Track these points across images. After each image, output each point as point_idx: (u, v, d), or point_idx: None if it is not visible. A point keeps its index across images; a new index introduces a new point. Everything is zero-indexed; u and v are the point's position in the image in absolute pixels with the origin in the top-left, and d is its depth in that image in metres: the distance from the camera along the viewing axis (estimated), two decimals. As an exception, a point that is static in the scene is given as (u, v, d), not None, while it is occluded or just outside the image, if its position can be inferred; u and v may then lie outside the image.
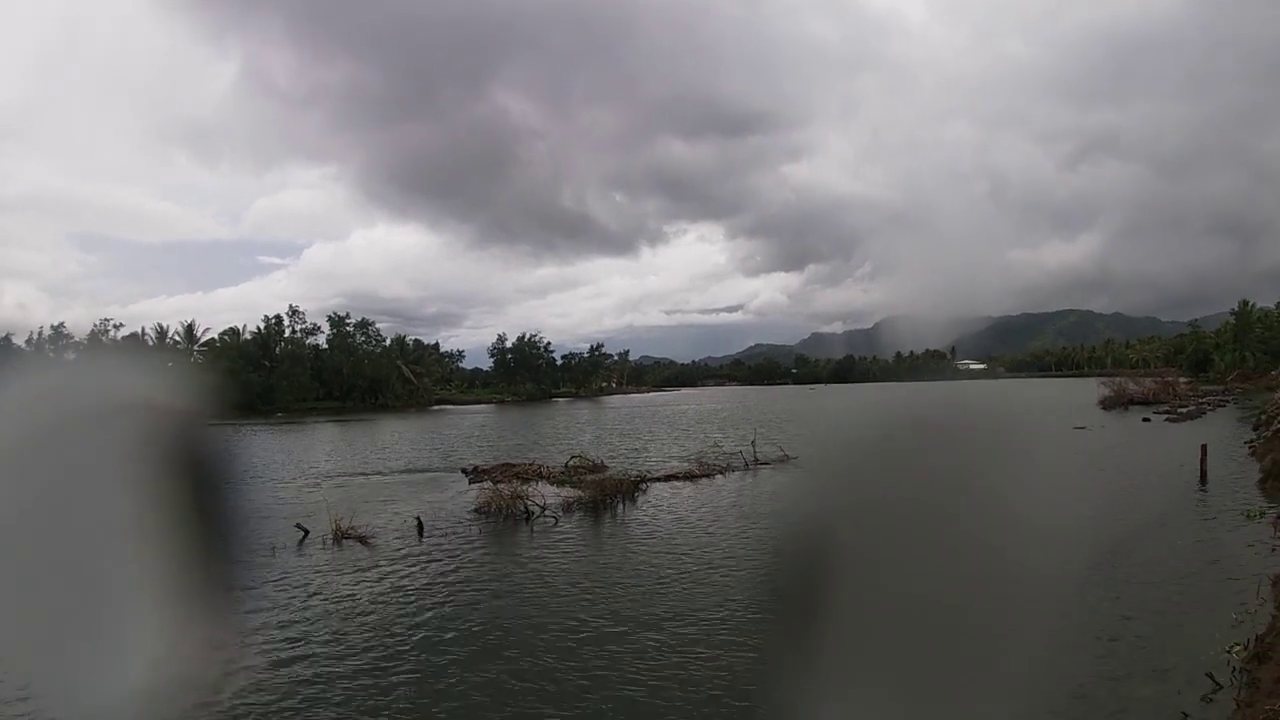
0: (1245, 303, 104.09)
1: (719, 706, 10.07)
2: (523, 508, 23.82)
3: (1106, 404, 63.66)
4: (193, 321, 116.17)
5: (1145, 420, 50.48)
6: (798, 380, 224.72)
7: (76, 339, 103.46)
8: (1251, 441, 32.45)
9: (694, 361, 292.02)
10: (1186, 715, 8.85)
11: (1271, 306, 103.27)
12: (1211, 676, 9.45)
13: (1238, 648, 9.81)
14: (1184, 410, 55.20)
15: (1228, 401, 62.04)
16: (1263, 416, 37.35)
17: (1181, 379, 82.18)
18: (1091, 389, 70.61)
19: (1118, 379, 75.82)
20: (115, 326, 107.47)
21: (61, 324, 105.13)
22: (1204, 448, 26.01)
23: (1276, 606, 11.54)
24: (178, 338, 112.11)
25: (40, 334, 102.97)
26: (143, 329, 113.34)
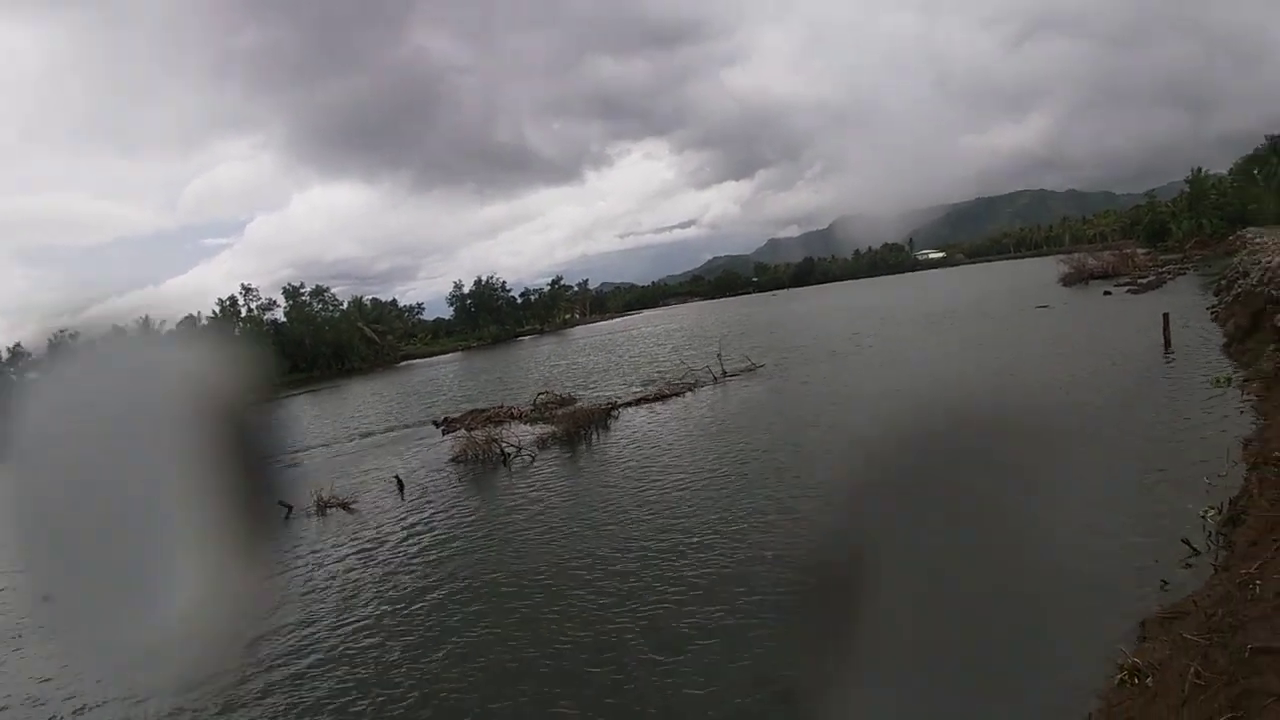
0: (1199, 170, 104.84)
1: (706, 631, 10.45)
2: (498, 451, 24.06)
3: (1067, 281, 64.06)
4: (146, 317, 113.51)
5: (1107, 293, 50.92)
6: (759, 288, 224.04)
7: (34, 356, 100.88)
8: (1213, 307, 32.86)
9: (654, 282, 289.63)
10: (1165, 582, 9.16)
11: (1224, 173, 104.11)
12: (1188, 542, 9.75)
13: (1212, 512, 10.05)
14: (1144, 281, 55.41)
15: (1188, 269, 62.30)
16: (1223, 282, 37.90)
17: (1140, 250, 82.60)
18: (1051, 267, 71.14)
19: (1076, 255, 76.12)
20: (71, 337, 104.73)
21: (18, 344, 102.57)
22: (1166, 316, 26.35)
23: (1248, 469, 11.68)
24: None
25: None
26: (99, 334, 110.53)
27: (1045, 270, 73.04)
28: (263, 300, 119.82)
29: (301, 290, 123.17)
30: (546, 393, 34.12)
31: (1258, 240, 48.13)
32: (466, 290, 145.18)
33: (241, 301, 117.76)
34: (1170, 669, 6.70)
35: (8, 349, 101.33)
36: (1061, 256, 79.26)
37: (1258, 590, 7.05)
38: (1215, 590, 8.03)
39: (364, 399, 60.04)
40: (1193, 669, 6.21)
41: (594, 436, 25.61)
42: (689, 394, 32.08)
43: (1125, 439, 15.82)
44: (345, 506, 20.95)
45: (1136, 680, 6.84)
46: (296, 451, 34.73)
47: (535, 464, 22.86)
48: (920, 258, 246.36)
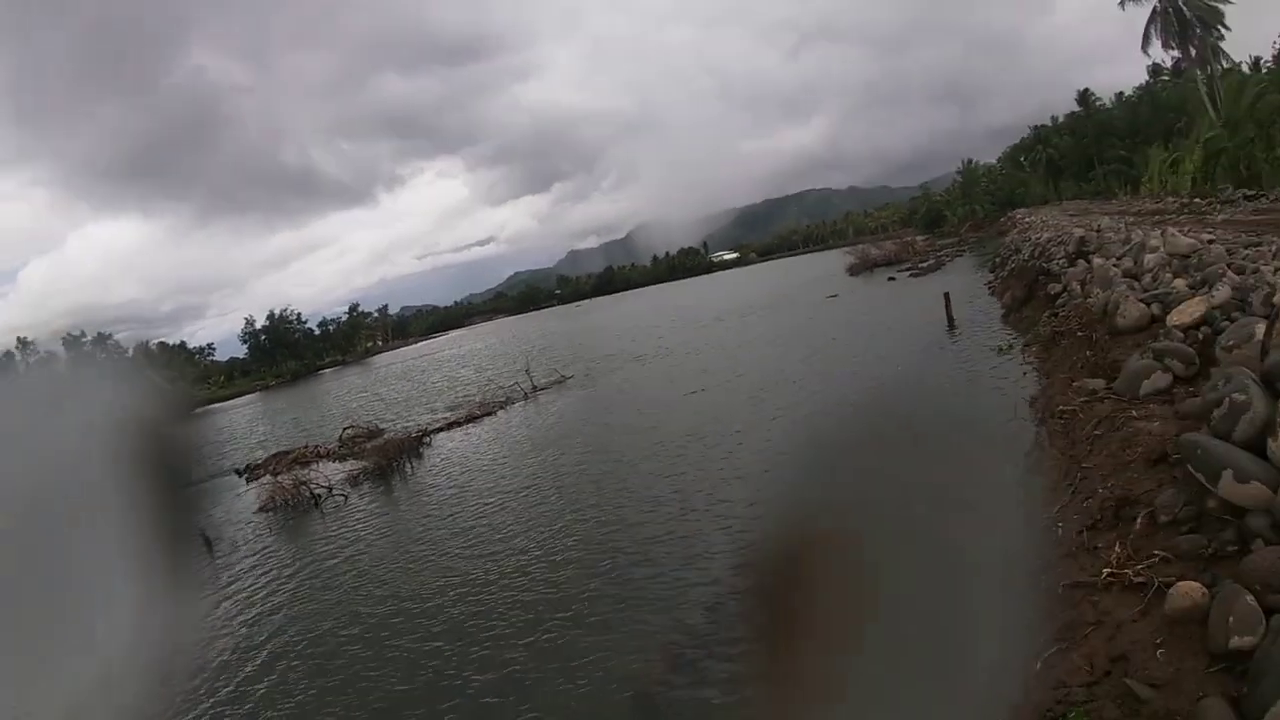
0: (969, 161, 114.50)
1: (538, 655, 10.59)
2: (308, 494, 23.22)
3: (854, 270, 67.75)
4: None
5: (891, 279, 53.63)
6: (563, 300, 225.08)
7: None
8: (990, 283, 35.69)
9: (457, 302, 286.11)
10: None
11: (994, 162, 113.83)
12: None
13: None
14: (925, 265, 59.13)
15: (964, 251, 66.72)
16: (998, 259, 41.31)
17: (919, 237, 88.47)
18: (838, 260, 74.97)
19: (860, 246, 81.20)
20: None
21: None
22: (947, 295, 27.85)
23: (1036, 423, 12.55)
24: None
25: None
26: None
27: (833, 263, 76.83)
28: (41, 354, 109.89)
29: (83, 340, 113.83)
30: (353, 427, 33.12)
31: (1027, 219, 52.64)
32: (260, 325, 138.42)
33: (19, 357, 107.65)
34: (992, 611, 7.27)
35: None
36: (847, 249, 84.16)
37: (1060, 533, 7.62)
38: (1020, 536, 8.75)
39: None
40: (1013, 608, 6.79)
41: (407, 467, 25.14)
42: (501, 412, 32.02)
43: (917, 410, 17.00)
44: (146, 574, 19.65)
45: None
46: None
47: (349, 503, 22.19)
48: (716, 259, 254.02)
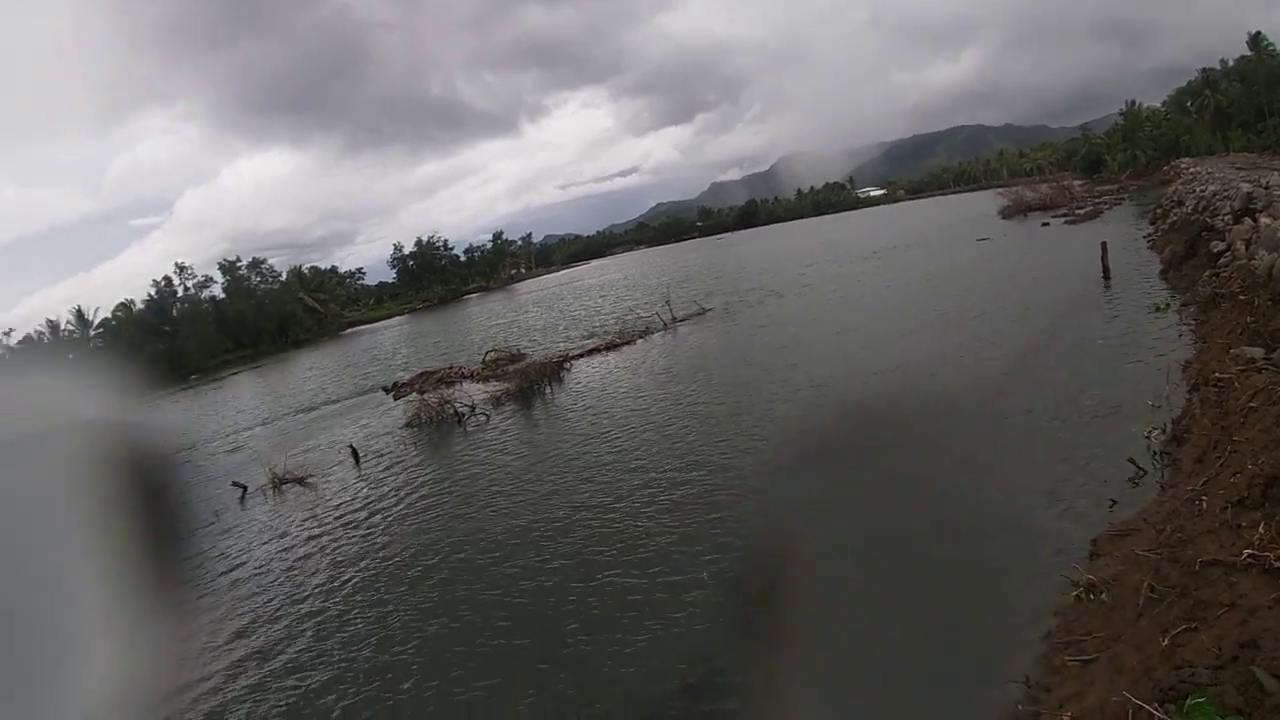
0: (1133, 103, 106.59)
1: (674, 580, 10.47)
2: (452, 412, 23.84)
3: (1006, 213, 64.54)
4: (79, 307, 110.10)
5: (1045, 225, 51.27)
6: (704, 233, 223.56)
7: None
8: (1150, 235, 33.38)
9: (599, 232, 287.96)
10: (1115, 501, 9.28)
11: (1158, 105, 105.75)
12: (1134, 462, 9.92)
13: (1156, 432, 10.23)
14: (1082, 211, 55.81)
15: (1124, 200, 63.02)
16: (1159, 210, 38.54)
17: (1076, 182, 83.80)
18: (990, 201, 71.72)
19: (1014, 188, 76.87)
20: (5, 334, 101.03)
21: None
22: (1104, 245, 26.36)
23: (1189, 390, 11.86)
24: (70, 327, 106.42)
25: None
26: (35, 329, 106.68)
27: (984, 204, 73.62)
28: (199, 278, 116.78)
29: (238, 264, 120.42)
30: (496, 350, 33.79)
31: (1191, 170, 48.87)
32: (408, 251, 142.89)
33: (177, 281, 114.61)
34: (1124, 584, 6.81)
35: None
36: (999, 190, 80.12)
37: (1204, 506, 7.16)
38: (1163, 507, 8.16)
39: (312, 370, 59.12)
40: (1146, 583, 6.33)
41: (547, 390, 25.47)
42: (640, 341, 32.03)
43: (1070, 365, 16.18)
44: (301, 481, 20.65)
45: (1092, 596, 6.95)
46: (245, 430, 34.19)
47: (490, 422, 22.66)
48: (862, 195, 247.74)
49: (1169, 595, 6.00)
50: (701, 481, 13.70)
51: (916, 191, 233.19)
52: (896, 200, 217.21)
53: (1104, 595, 6.86)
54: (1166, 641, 5.33)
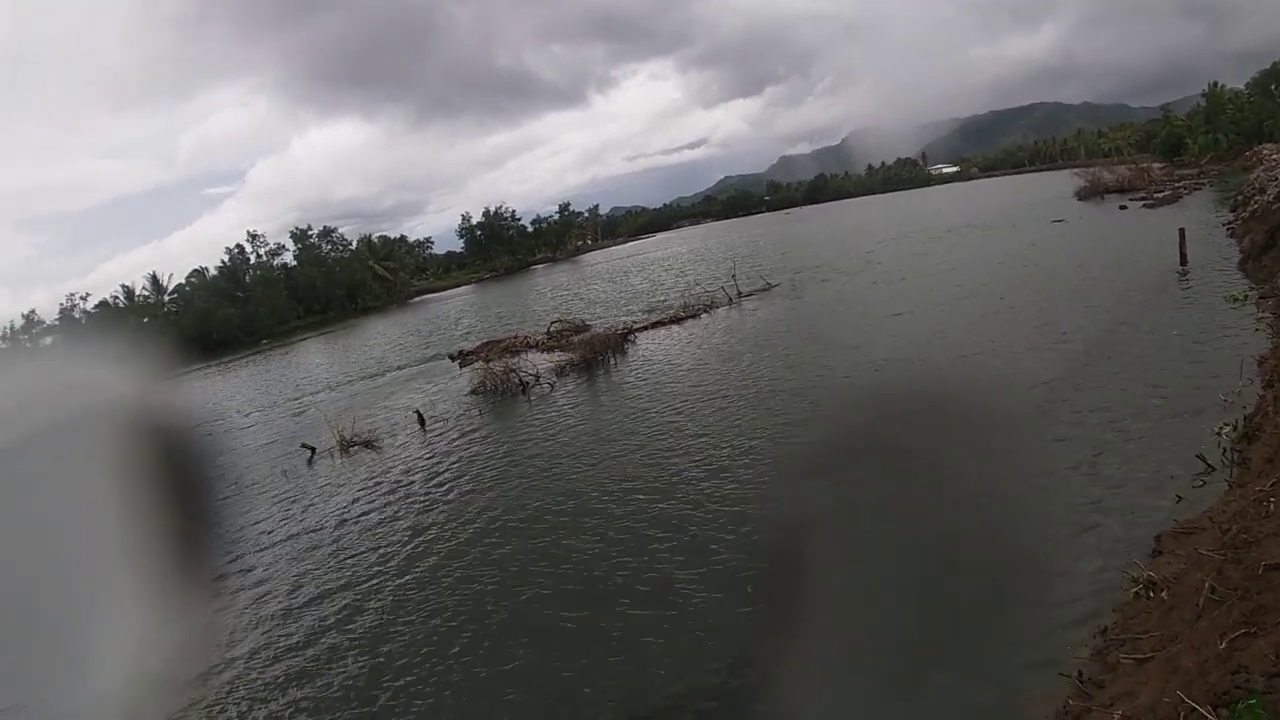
0: (1215, 84, 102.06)
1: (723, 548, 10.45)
2: (517, 380, 24.08)
3: (1082, 195, 62.66)
4: (154, 272, 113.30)
5: (1122, 208, 49.91)
6: (772, 207, 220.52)
7: (49, 322, 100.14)
8: (1230, 223, 32.16)
9: (665, 204, 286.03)
10: (1180, 498, 9.05)
11: (1242, 87, 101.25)
12: (1203, 458, 9.59)
13: (1227, 429, 9.78)
14: (1160, 195, 53.85)
15: (1204, 184, 60.72)
16: (1239, 197, 36.98)
17: (1156, 165, 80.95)
18: (1066, 181, 69.81)
19: (1092, 169, 74.39)
20: (82, 299, 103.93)
21: (32, 311, 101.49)
22: (1182, 231, 25.53)
23: (1263, 386, 11.49)
24: (145, 292, 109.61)
25: (11, 327, 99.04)
26: (110, 294, 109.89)
27: (1060, 184, 71.67)
28: (271, 245, 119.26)
29: (309, 232, 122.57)
30: (561, 320, 33.99)
31: (1275, 156, 46.92)
32: (475, 221, 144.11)
33: (249, 248, 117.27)
34: (1185, 583, 6.68)
35: (22, 316, 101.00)
36: (1076, 170, 77.57)
37: (1272, 507, 6.93)
38: (1230, 506, 7.95)
39: (379, 337, 60.13)
40: (1208, 584, 6.16)
41: (611, 362, 25.56)
42: (704, 315, 31.92)
43: (1142, 355, 15.75)
44: (368, 444, 21.07)
45: (1152, 594, 6.84)
46: (313, 394, 34.93)
47: (554, 392, 22.89)
48: (934, 172, 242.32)
49: (1230, 598, 5.82)
50: (758, 464, 13.57)
51: (990, 170, 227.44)
52: (970, 178, 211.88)
53: (1164, 594, 6.74)
54: (1224, 645, 5.19)
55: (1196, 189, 57.42)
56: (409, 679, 9.01)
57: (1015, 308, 22.55)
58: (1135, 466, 10.28)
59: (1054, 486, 9.42)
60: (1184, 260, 24.65)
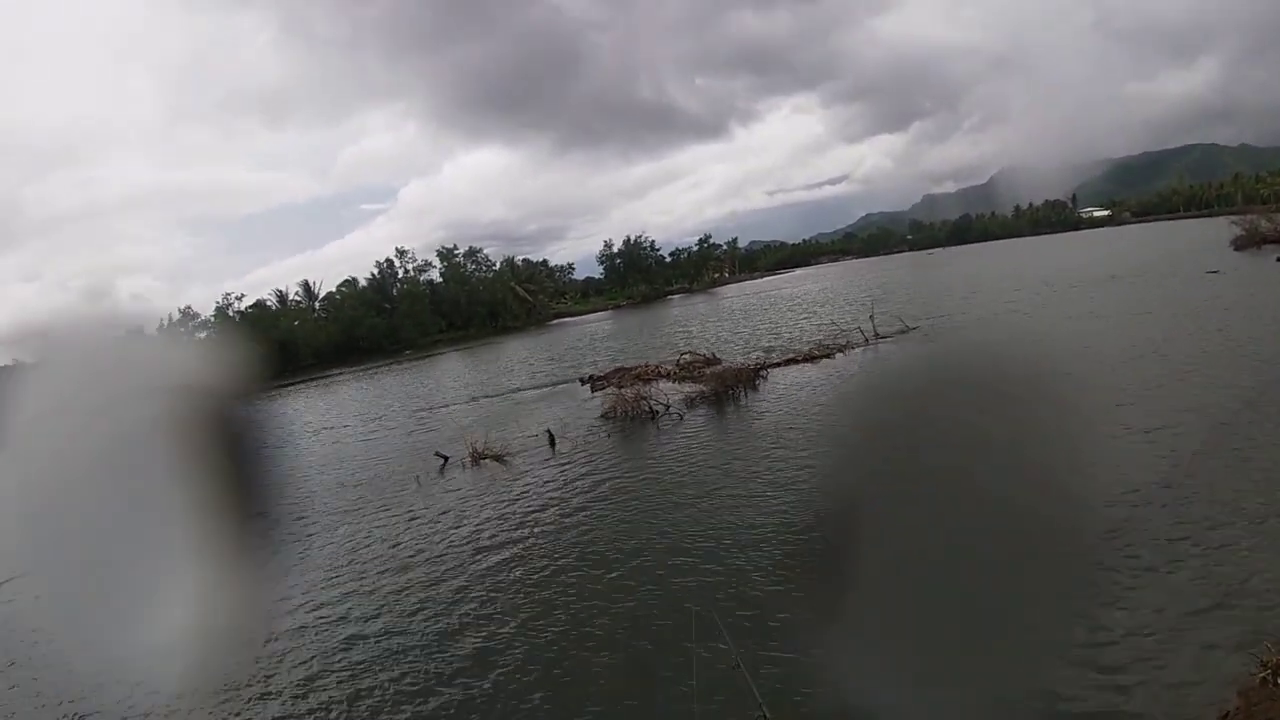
0: None
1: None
2: (647, 408, 24.29)
3: (1239, 244, 59.14)
4: (307, 280, 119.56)
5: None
6: (914, 246, 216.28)
7: (204, 317, 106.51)
8: None
9: (804, 240, 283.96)
10: None
11: None
12: None
13: None
14: None
15: None
16: None
17: None
18: (1223, 229, 66.15)
19: (1250, 217, 70.45)
20: (238, 298, 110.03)
21: (189, 306, 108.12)
22: None
23: None
24: (298, 297, 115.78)
25: (170, 319, 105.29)
26: (264, 296, 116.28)
27: (1216, 232, 67.70)
28: (418, 262, 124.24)
29: (455, 252, 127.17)
30: (690, 352, 34.07)
31: None
32: (616, 249, 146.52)
33: (398, 263, 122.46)
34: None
35: (179, 310, 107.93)
36: (1234, 217, 73.29)
37: None
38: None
39: (516, 355, 61.63)
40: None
41: (742, 397, 25.43)
42: (839, 355, 31.44)
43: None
44: (499, 459, 21.61)
45: (1279, 681, 6.42)
46: (452, 405, 36.06)
47: (683, 423, 22.93)
48: (1084, 215, 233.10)
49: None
50: (877, 519, 13.24)
51: (1143, 214, 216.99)
52: (1122, 222, 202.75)
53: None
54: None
55: (1366, 238, 53.68)
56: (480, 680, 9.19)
57: (1154, 371, 21.10)
58: (1275, 542, 9.49)
59: (1186, 564, 8.89)
60: None
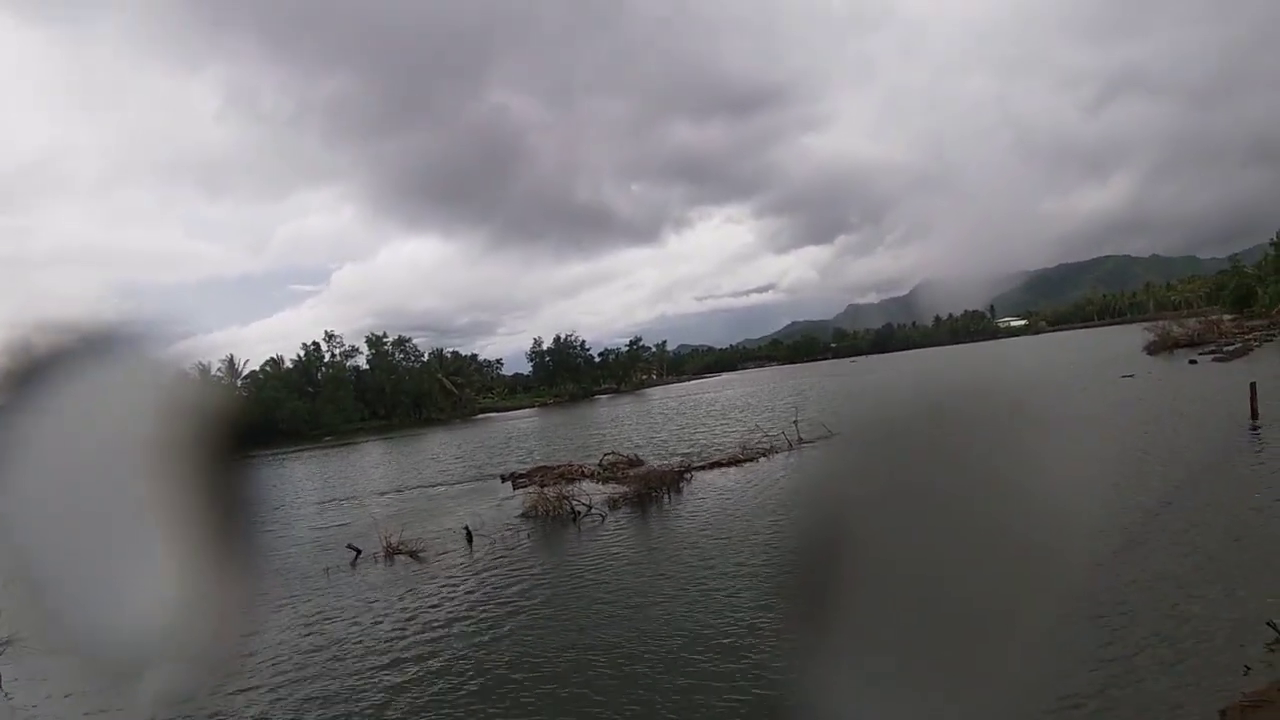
0: None
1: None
2: (569, 508, 23.92)
3: (1152, 349, 62.91)
4: (231, 356, 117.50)
5: (1192, 362, 49.62)
6: (837, 354, 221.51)
7: None
8: None
9: (731, 345, 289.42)
10: (1249, 668, 8.54)
11: None
12: (1274, 625, 9.12)
13: None
14: (1230, 349, 54.65)
15: (1275, 335, 60.92)
16: None
17: (1226, 317, 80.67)
18: (1136, 335, 69.60)
19: (1161, 323, 74.53)
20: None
21: None
22: (1253, 386, 25.56)
23: None
24: (220, 373, 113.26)
25: None
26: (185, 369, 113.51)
27: (1130, 338, 71.43)
28: (346, 347, 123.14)
29: (384, 339, 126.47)
30: (614, 453, 33.80)
31: None
32: (546, 347, 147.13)
33: (325, 347, 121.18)
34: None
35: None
36: (1146, 324, 77.56)
37: None
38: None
39: (439, 448, 60.68)
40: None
41: (665, 499, 25.23)
42: (763, 459, 31.56)
43: (1208, 518, 15.11)
44: (413, 554, 20.97)
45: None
46: (368, 495, 35.15)
47: (605, 524, 22.61)
48: (1002, 325, 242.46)
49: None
50: (804, 635, 13.07)
51: (1059, 323, 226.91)
52: (1038, 331, 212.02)
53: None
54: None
55: (1268, 340, 57.60)
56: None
57: (1077, 468, 21.80)
58: (1198, 635, 9.70)
59: (1108, 656, 8.95)
60: (1255, 414, 24.56)
